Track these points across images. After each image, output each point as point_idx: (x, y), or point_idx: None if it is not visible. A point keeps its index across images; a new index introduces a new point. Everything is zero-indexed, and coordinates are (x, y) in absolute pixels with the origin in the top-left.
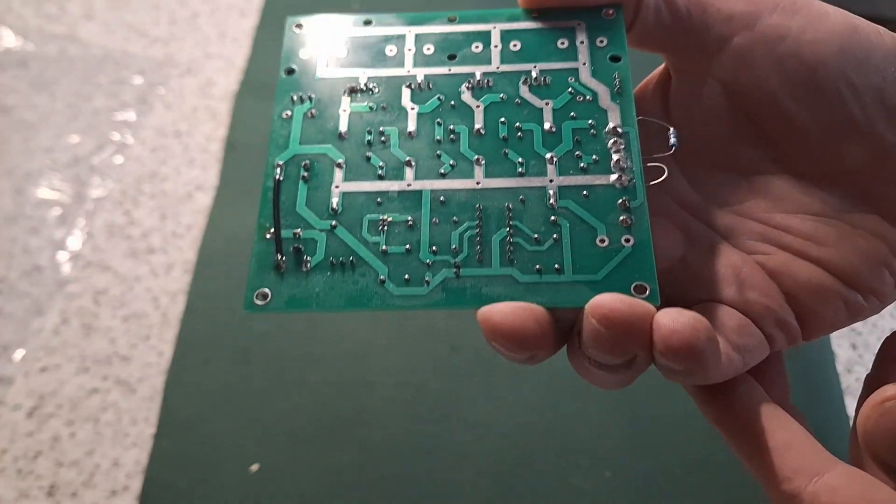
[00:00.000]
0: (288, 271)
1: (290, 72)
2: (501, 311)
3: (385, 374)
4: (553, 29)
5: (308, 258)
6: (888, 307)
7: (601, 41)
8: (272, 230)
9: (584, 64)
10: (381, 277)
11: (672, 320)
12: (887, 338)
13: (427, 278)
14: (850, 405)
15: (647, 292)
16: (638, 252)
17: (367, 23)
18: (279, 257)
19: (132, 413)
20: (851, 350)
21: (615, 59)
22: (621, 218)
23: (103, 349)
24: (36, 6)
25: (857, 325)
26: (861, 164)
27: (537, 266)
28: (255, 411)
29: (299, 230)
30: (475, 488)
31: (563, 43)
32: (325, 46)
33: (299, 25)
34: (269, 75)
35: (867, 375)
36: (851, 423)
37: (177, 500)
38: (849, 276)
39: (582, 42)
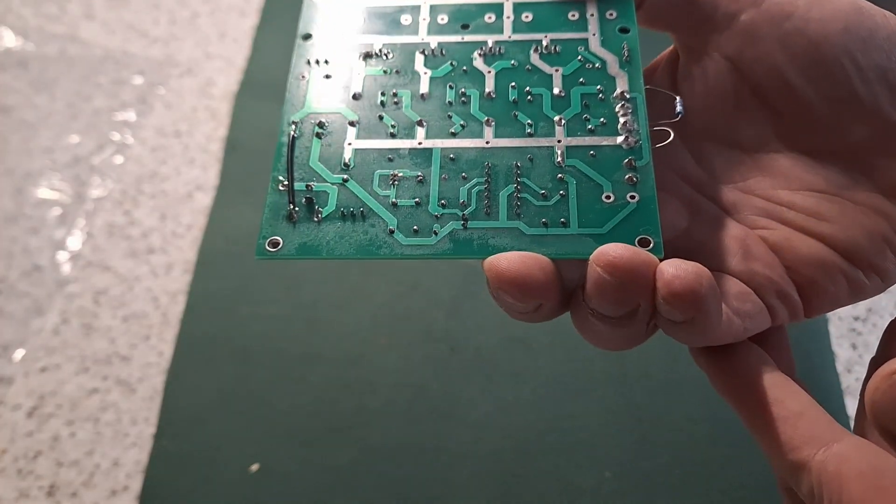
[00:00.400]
0: (300, 221)
1: (308, 37)
2: (508, 259)
3: (385, 374)
4: (564, 2)
5: (320, 209)
6: (890, 309)
7: (611, 14)
8: (285, 182)
9: (594, 35)
10: (391, 228)
11: (675, 267)
12: (891, 321)
13: (435, 229)
14: (850, 405)
15: (651, 245)
16: (643, 208)
17: None
18: (291, 207)
19: (132, 413)
20: (851, 350)
21: (624, 30)
22: (627, 176)
23: (103, 349)
24: (36, 6)
25: (857, 325)
26: (864, 141)
27: (543, 220)
28: (255, 411)
29: (312, 183)
30: (475, 488)
31: (573, 15)
32: (342, 14)
33: None
34: (269, 75)
35: (871, 359)
36: (852, 422)
37: (177, 500)
38: (850, 252)
39: (592, 14)
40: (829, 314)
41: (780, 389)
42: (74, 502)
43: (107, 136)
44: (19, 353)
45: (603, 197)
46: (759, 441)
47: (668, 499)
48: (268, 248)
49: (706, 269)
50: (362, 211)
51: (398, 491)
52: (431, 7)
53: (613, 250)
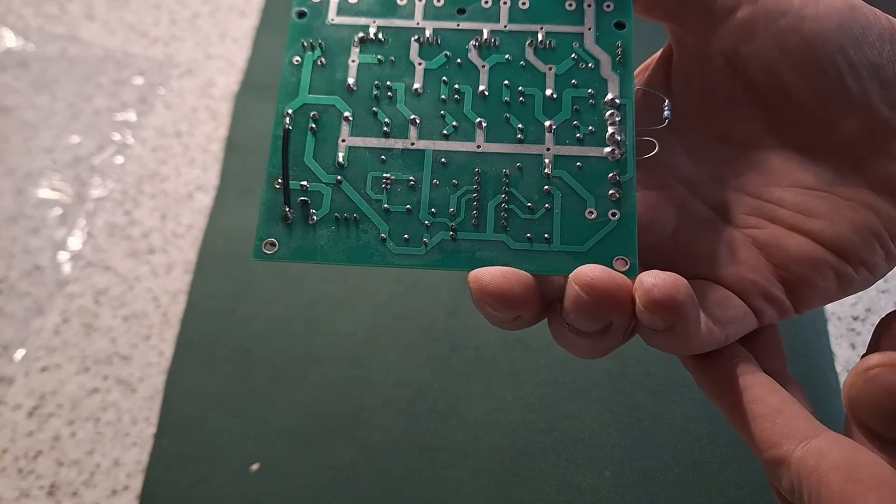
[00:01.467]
0: (295, 223)
1: (302, 14)
2: (491, 273)
3: (385, 373)
4: None
5: (314, 211)
6: (889, 309)
7: (608, 6)
8: (281, 180)
9: (590, 29)
10: (383, 235)
11: (654, 276)
12: (881, 319)
13: (425, 239)
14: None
15: (628, 266)
16: (623, 226)
17: None
18: (287, 209)
19: (133, 413)
20: (851, 350)
21: (620, 25)
22: (610, 192)
23: (104, 349)
24: (36, 6)
25: (856, 325)
26: (854, 136)
27: (528, 234)
28: (255, 411)
29: (306, 182)
30: (474, 487)
31: (570, 5)
32: None
33: None
34: (269, 76)
35: (861, 356)
36: None
37: (177, 500)
38: (839, 247)
39: (589, 5)
40: (829, 314)
41: (761, 387)
42: (75, 502)
43: (107, 137)
44: (20, 353)
45: (586, 213)
46: (743, 438)
47: (667, 498)
48: (264, 250)
49: (683, 279)
50: (355, 216)
51: (398, 490)
52: None
53: (591, 272)
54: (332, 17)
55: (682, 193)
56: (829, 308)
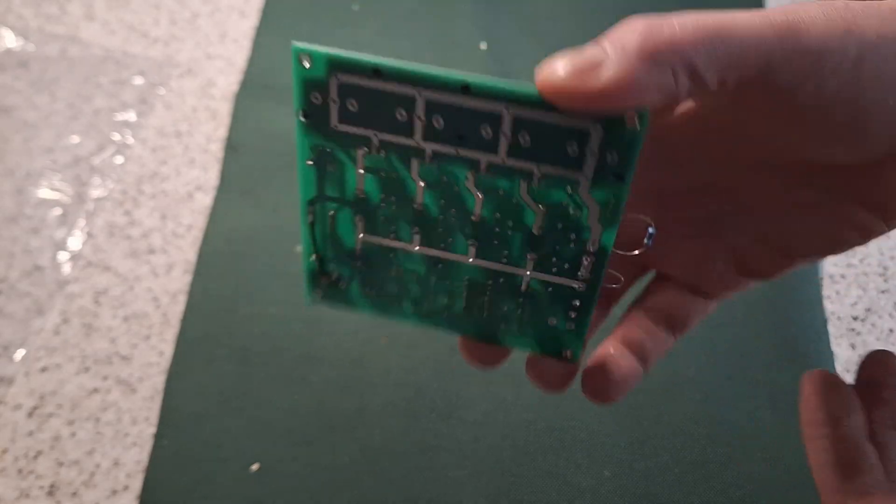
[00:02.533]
0: (330, 285)
1: (307, 115)
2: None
3: (385, 374)
4: (567, 127)
5: (343, 284)
6: (889, 309)
7: (611, 158)
8: (314, 256)
9: (587, 178)
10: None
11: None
12: (867, 355)
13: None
14: None
15: (570, 356)
16: (574, 335)
17: (376, 72)
18: (323, 279)
19: (133, 413)
20: (851, 350)
21: (618, 177)
22: (571, 313)
23: (104, 349)
24: (36, 6)
25: (856, 325)
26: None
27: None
28: (255, 411)
29: (335, 269)
30: (474, 487)
31: (573, 150)
32: (337, 94)
33: (307, 57)
34: (269, 76)
35: (858, 362)
36: None
37: (177, 500)
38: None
39: (592, 153)
40: (829, 314)
41: None
42: (75, 502)
43: (107, 137)
44: (20, 353)
45: (548, 321)
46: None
47: (667, 498)
48: (313, 298)
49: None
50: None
51: (398, 490)
52: (427, 103)
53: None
54: (335, 122)
55: (661, 204)
56: (829, 308)
